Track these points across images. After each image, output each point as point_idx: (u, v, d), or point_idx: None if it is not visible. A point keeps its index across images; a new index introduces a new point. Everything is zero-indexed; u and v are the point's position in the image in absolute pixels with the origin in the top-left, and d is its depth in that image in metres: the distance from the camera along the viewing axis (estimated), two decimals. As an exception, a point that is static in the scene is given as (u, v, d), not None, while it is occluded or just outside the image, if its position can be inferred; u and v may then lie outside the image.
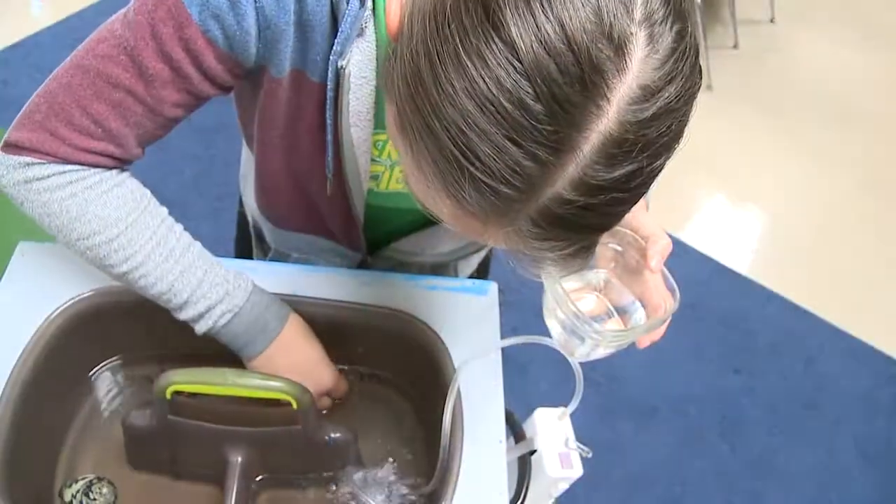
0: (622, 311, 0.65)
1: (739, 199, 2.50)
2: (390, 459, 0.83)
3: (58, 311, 0.78)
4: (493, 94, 0.39)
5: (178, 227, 0.73)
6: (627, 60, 0.39)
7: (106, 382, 0.85)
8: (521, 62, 0.38)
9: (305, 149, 0.72)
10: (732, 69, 2.90)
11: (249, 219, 1.00)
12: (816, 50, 3.11)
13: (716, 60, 2.84)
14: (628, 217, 0.70)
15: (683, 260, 2.23)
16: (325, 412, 0.84)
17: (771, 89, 2.88)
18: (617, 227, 0.66)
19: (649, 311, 0.63)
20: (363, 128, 0.67)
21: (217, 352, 0.76)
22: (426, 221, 0.88)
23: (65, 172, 0.67)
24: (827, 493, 1.80)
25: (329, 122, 0.66)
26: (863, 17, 3.29)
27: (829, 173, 2.59)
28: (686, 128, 0.44)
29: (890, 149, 2.72)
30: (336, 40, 0.60)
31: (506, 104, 0.39)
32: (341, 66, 0.61)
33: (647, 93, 0.40)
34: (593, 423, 1.81)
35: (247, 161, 0.93)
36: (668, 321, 0.64)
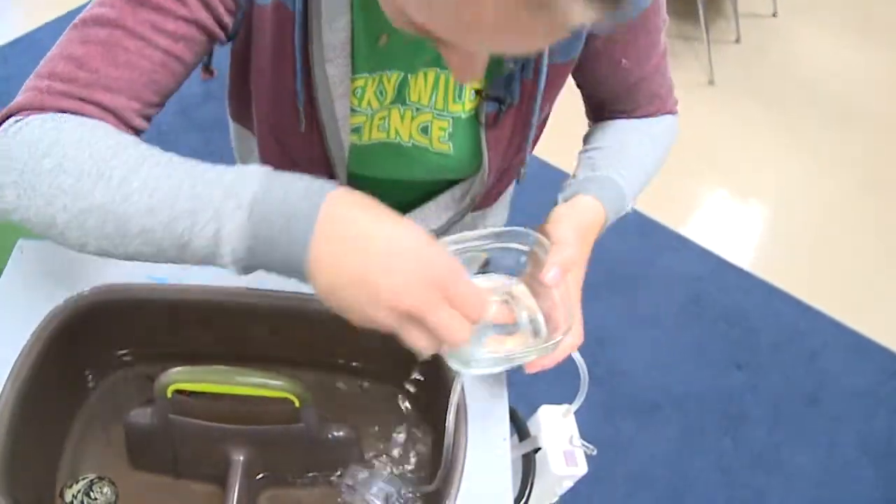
0: (525, 326, 0.60)
1: (741, 194, 2.49)
2: (393, 456, 0.82)
3: (57, 309, 0.78)
4: None
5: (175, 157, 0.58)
6: None
7: (106, 381, 0.85)
8: None
9: (287, 94, 0.68)
10: (734, 63, 2.89)
11: None
12: (818, 45, 3.10)
13: (718, 54, 2.82)
14: (552, 221, 0.65)
15: (685, 255, 2.22)
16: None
17: (773, 84, 2.87)
18: (532, 232, 0.60)
19: (549, 328, 0.58)
20: (338, 66, 0.65)
21: (218, 351, 0.75)
22: (413, 198, 0.86)
23: (41, 118, 0.55)
24: (829, 490, 1.79)
25: (298, 44, 0.62)
26: (865, 13, 3.28)
27: (830, 170, 2.59)
28: None
29: (891, 146, 2.71)
30: None
31: None
32: None
33: None
34: (595, 420, 1.80)
35: (237, 150, 0.92)
36: (566, 349, 0.59)
